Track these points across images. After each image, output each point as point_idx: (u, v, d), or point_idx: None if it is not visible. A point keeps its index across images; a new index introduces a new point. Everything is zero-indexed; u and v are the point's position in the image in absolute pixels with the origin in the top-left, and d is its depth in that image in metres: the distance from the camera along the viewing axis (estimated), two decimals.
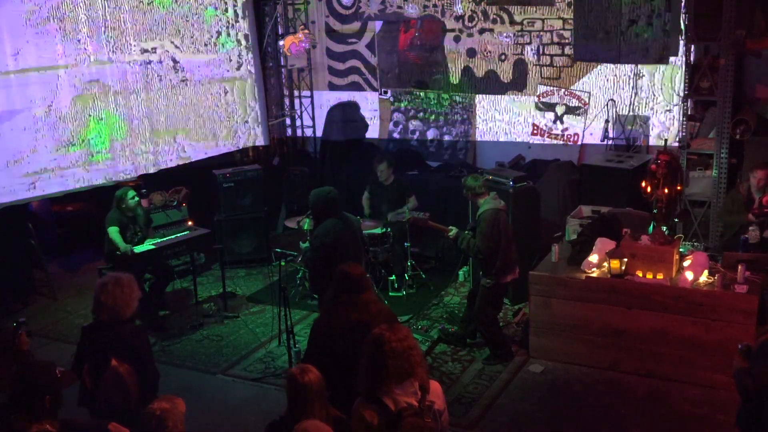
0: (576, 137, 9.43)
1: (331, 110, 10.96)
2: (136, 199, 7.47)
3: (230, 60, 9.89)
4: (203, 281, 8.81)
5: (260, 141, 10.42)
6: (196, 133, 9.61)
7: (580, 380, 6.42)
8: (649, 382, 6.30)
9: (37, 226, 8.87)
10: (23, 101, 8.00)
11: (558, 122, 9.52)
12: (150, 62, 9.00)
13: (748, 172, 7.30)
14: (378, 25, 10.45)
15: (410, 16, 10.15)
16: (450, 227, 6.70)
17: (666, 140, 7.51)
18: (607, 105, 9.14)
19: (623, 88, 9.04)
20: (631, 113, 9.01)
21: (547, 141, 9.60)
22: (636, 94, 8.95)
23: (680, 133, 8.32)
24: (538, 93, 9.59)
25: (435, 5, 9.95)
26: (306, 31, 10.49)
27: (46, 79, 8.12)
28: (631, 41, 8.67)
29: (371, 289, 4.73)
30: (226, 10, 9.76)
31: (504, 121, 9.86)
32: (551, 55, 9.42)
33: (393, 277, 8.26)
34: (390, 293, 8.15)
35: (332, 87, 11.01)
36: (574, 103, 9.38)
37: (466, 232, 6.62)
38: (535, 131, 9.67)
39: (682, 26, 8.28)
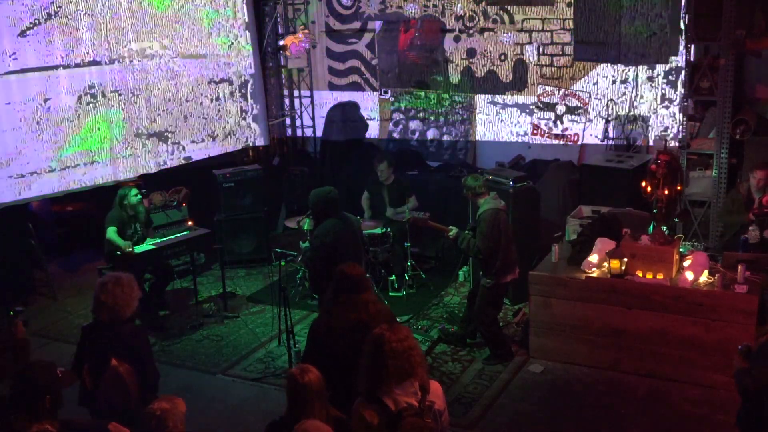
0: (576, 137, 9.43)
1: (331, 110, 10.96)
2: (139, 196, 7.48)
3: (230, 60, 9.89)
4: (203, 281, 8.81)
5: (260, 141, 10.42)
6: (196, 133, 9.61)
7: (580, 380, 6.42)
8: (649, 382, 6.30)
9: (37, 226, 8.88)
10: (22, 101, 7.98)
11: (558, 122, 9.53)
12: (150, 62, 8.99)
13: (748, 172, 7.30)
14: (378, 25, 10.45)
15: (410, 16, 10.16)
16: (450, 227, 6.70)
17: (666, 140, 7.51)
18: (607, 105, 9.14)
19: (623, 88, 9.03)
20: (631, 113, 9.01)
21: (547, 141, 9.60)
22: (636, 94, 8.95)
23: (680, 133, 8.32)
24: (538, 93, 9.59)
25: (435, 5, 9.95)
26: (306, 31, 10.49)
27: (45, 79, 8.11)
28: (630, 41, 8.66)
29: (370, 290, 4.73)
30: (226, 10, 9.75)
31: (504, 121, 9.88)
32: (551, 55, 9.42)
33: (393, 277, 8.26)
34: (390, 293, 8.16)
35: (332, 87, 11.01)
36: (574, 103, 9.38)
37: (466, 232, 6.62)
38: (535, 131, 9.68)
39: (682, 26, 8.28)
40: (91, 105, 8.52)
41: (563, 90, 9.43)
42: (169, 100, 9.26)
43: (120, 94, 8.75)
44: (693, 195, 8.14)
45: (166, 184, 8.72)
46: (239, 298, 8.39)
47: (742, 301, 5.98)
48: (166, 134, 9.26)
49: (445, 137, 10.28)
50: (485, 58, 9.81)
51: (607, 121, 9.08)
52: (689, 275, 6.24)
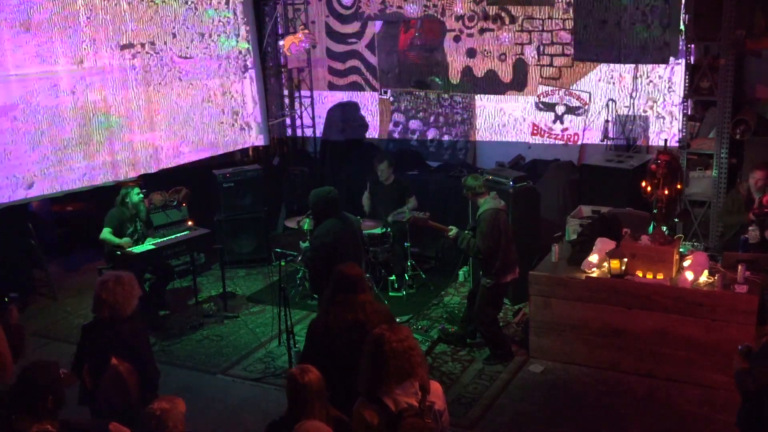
0: (576, 137, 9.43)
1: (331, 110, 10.96)
2: (141, 195, 7.49)
3: (230, 60, 9.89)
4: (203, 281, 8.81)
5: (260, 141, 10.42)
6: (196, 132, 9.61)
7: (580, 380, 6.42)
8: (649, 382, 6.30)
9: (37, 226, 8.88)
10: (22, 101, 7.99)
11: (558, 122, 9.53)
12: (150, 62, 8.99)
13: (748, 172, 7.30)
14: (378, 25, 10.45)
15: (410, 16, 10.16)
16: (450, 227, 6.70)
17: (666, 140, 7.51)
18: (607, 105, 9.14)
19: (623, 88, 9.03)
20: (631, 113, 9.01)
21: (547, 141, 9.60)
22: (636, 94, 8.95)
23: (680, 133, 8.32)
24: (538, 93, 9.59)
25: (435, 5, 9.95)
26: (306, 31, 10.49)
27: (44, 78, 8.11)
28: (630, 41, 8.67)
29: (368, 290, 4.73)
30: (226, 10, 9.75)
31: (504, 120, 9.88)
32: (551, 55, 9.42)
33: (393, 277, 8.26)
34: (390, 293, 8.16)
35: (332, 87, 11.01)
36: (574, 103, 9.38)
37: (466, 231, 6.62)
38: (535, 131, 9.68)
39: (682, 26, 8.28)
40: (90, 105, 8.51)
41: (563, 90, 9.43)
42: (169, 99, 9.26)
43: (119, 94, 8.74)
44: (693, 195, 8.14)
45: (166, 184, 8.72)
46: (239, 298, 8.39)
47: (742, 301, 5.98)
48: (165, 133, 9.26)
49: (445, 137, 10.28)
50: (485, 58, 9.81)
51: (607, 121, 9.08)
52: (689, 275, 6.24)
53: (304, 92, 11.16)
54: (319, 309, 5.47)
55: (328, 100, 11.06)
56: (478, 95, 9.97)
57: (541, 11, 9.32)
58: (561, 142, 9.51)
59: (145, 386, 4.47)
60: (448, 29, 9.96)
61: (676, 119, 8.72)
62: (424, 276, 8.42)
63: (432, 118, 10.34)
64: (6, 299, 4.60)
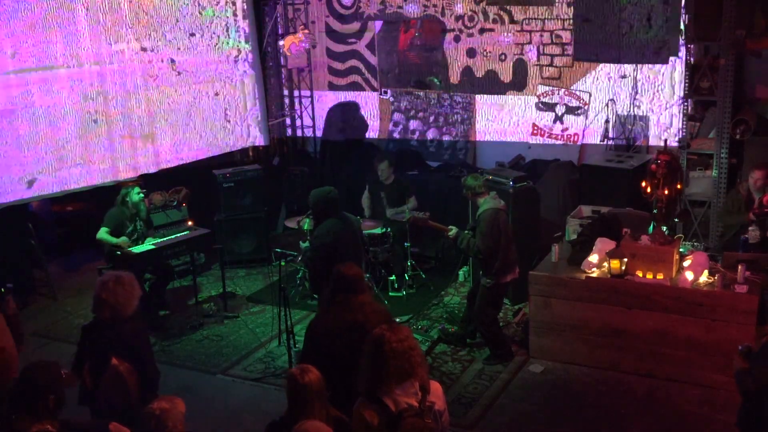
0: (576, 137, 9.43)
1: (331, 110, 10.96)
2: (141, 195, 7.49)
3: (230, 60, 9.89)
4: (203, 281, 8.81)
5: (260, 141, 10.42)
6: (196, 132, 9.61)
7: (580, 380, 6.42)
8: (649, 382, 6.30)
9: (37, 226, 8.88)
10: (22, 101, 7.99)
11: (558, 122, 9.52)
12: (150, 62, 8.99)
13: (747, 172, 7.30)
14: (378, 25, 10.45)
15: (410, 16, 10.16)
16: (450, 227, 6.70)
17: (666, 140, 7.51)
18: (607, 105, 9.14)
19: (623, 88, 9.03)
20: (631, 113, 9.01)
21: (547, 141, 9.60)
22: (636, 93, 8.95)
23: (680, 133, 8.32)
24: (538, 93, 9.59)
25: (435, 5, 9.95)
26: (306, 31, 10.49)
27: (45, 78, 8.11)
28: (631, 41, 8.67)
29: (367, 291, 4.73)
30: (226, 10, 9.75)
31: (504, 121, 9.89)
32: (551, 55, 9.42)
33: (393, 277, 8.26)
34: (390, 293, 8.16)
35: (332, 87, 11.01)
36: (574, 103, 9.38)
37: (466, 231, 6.62)
38: (535, 131, 9.67)
39: (682, 26, 8.28)
40: (90, 105, 8.51)
41: (563, 90, 9.43)
42: (169, 99, 9.26)
43: (119, 94, 8.74)
44: (693, 195, 8.15)
45: (166, 184, 8.72)
46: (239, 298, 8.39)
47: (742, 301, 5.98)
48: (165, 133, 9.26)
49: (445, 137, 10.28)
50: (485, 58, 9.81)
51: (607, 121, 9.08)
52: (689, 275, 6.24)
53: (304, 92, 11.16)
54: (319, 309, 5.48)
55: (328, 100, 11.06)
56: (478, 95, 9.97)
57: (541, 11, 9.32)
58: (561, 142, 9.51)
59: (146, 386, 4.47)
60: (448, 29, 9.96)
61: (675, 118, 8.72)
62: (424, 276, 8.42)
63: (432, 118, 10.34)
64: (2, 290, 4.62)
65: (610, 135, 9.09)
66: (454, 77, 10.06)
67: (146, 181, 8.35)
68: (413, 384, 3.50)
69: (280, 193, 10.42)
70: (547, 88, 9.52)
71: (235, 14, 9.85)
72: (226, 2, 9.74)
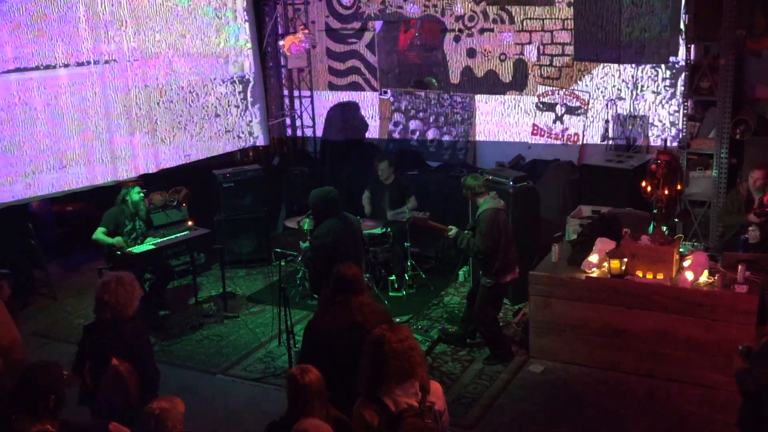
0: (576, 137, 9.43)
1: (331, 110, 10.96)
2: (141, 194, 7.50)
3: (230, 60, 9.89)
4: (203, 281, 8.81)
5: (260, 141, 10.42)
6: (196, 132, 9.61)
7: (580, 380, 6.42)
8: (649, 382, 6.30)
9: (37, 226, 8.87)
10: (22, 101, 7.99)
11: (558, 122, 9.52)
12: (150, 62, 8.99)
13: (747, 172, 7.30)
14: (378, 25, 10.45)
15: (410, 16, 10.16)
16: (450, 227, 6.70)
17: (666, 140, 7.51)
18: (607, 105, 9.14)
19: (623, 88, 9.03)
20: (631, 113, 9.01)
21: (547, 141, 9.60)
22: (636, 94, 8.95)
23: (680, 133, 8.32)
24: (538, 93, 9.59)
25: (435, 5, 9.95)
26: (306, 31, 10.49)
27: (45, 78, 8.12)
28: (631, 41, 8.67)
29: (366, 291, 4.73)
30: (226, 10, 9.75)
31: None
32: (551, 55, 9.42)
33: (393, 277, 8.26)
34: (390, 293, 8.16)
35: (332, 87, 11.01)
36: (574, 103, 9.38)
37: (466, 231, 6.62)
38: (535, 131, 9.68)
39: (682, 26, 8.28)
40: (90, 105, 8.51)
41: (563, 90, 9.43)
42: (169, 99, 9.26)
43: (120, 94, 8.74)
44: (693, 195, 8.15)
45: (166, 184, 8.72)
46: (239, 298, 8.38)
47: (742, 301, 5.98)
48: (165, 134, 9.26)
49: (445, 137, 10.28)
50: (485, 58, 9.81)
51: (607, 121, 9.08)
52: (689, 275, 6.23)
53: (304, 92, 11.16)
54: (318, 309, 5.48)
55: (328, 100, 11.06)
56: (478, 95, 9.97)
57: (541, 11, 9.32)
58: (561, 142, 9.51)
59: (146, 386, 4.47)
60: (448, 29, 9.96)
61: (675, 119, 8.72)
62: (424, 276, 8.42)
63: (432, 118, 10.34)
64: None
65: (610, 135, 9.09)
66: (454, 77, 10.06)
67: (146, 181, 8.34)
68: (413, 384, 3.50)
69: (280, 193, 10.42)
70: (547, 88, 9.52)
71: (235, 14, 9.85)
72: (227, 2, 9.73)
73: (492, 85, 9.84)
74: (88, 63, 8.43)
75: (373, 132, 10.82)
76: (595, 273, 6.58)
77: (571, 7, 8.99)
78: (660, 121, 8.89)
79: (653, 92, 8.86)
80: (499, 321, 7.08)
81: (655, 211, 6.52)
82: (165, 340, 7.38)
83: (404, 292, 8.16)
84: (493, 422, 5.90)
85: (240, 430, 5.91)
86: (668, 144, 7.89)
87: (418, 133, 10.48)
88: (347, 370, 3.95)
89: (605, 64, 9.04)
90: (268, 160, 10.81)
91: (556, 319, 6.62)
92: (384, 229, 8.29)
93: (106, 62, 8.58)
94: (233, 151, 10.29)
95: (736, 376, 4.40)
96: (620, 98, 9.02)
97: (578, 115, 9.38)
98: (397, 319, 7.39)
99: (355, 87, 10.84)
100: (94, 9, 8.37)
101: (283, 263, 7.05)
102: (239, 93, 10.03)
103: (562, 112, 9.48)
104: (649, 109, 8.91)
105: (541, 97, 9.59)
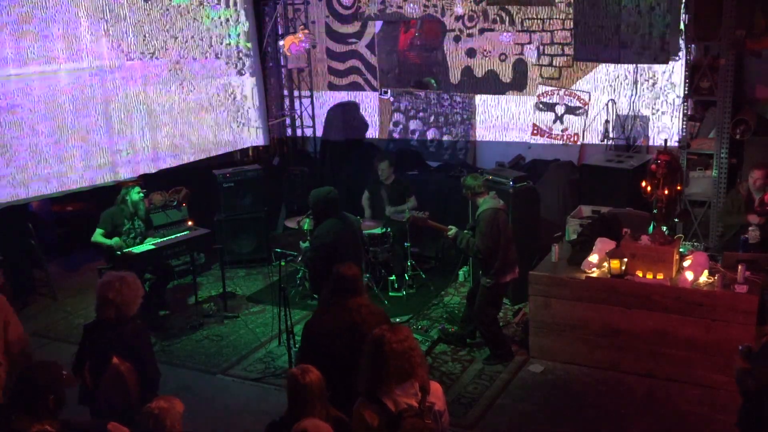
0: (576, 137, 9.43)
1: (331, 110, 10.96)
2: (141, 194, 7.50)
3: (230, 60, 9.89)
4: (203, 281, 8.81)
5: (260, 141, 10.42)
6: (197, 133, 9.61)
7: (580, 380, 6.42)
8: (649, 382, 6.30)
9: (37, 226, 8.88)
10: (23, 101, 7.99)
11: (558, 122, 9.52)
12: (150, 62, 8.99)
13: (747, 172, 7.30)
14: (378, 25, 10.45)
15: (410, 16, 10.16)
16: (449, 227, 6.70)
17: (666, 140, 7.51)
18: (607, 105, 9.14)
19: (623, 88, 9.03)
20: (631, 113, 9.01)
21: (547, 141, 9.60)
22: (636, 94, 8.95)
23: (680, 133, 8.32)
24: (538, 93, 9.59)
25: (435, 5, 9.95)
26: (306, 31, 10.49)
27: (45, 78, 8.12)
28: (630, 41, 8.66)
29: (364, 293, 4.74)
30: (226, 10, 9.75)
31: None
32: (551, 55, 9.42)
33: (393, 277, 8.26)
34: (390, 293, 8.16)
35: (332, 87, 11.01)
36: (574, 103, 9.38)
37: (466, 231, 6.63)
38: (535, 131, 9.67)
39: (682, 26, 8.28)
40: (90, 105, 8.52)
41: (563, 90, 9.43)
42: (169, 99, 9.26)
43: (119, 94, 8.74)
44: (693, 195, 8.14)
45: (166, 184, 8.73)
46: (239, 298, 8.39)
47: (742, 301, 5.98)
48: (165, 133, 9.26)
49: (445, 137, 10.28)
50: (485, 58, 9.81)
51: (607, 121, 9.08)
52: (689, 275, 6.24)
53: (304, 92, 11.16)
54: (317, 309, 5.48)
55: (328, 100, 11.06)
56: (478, 95, 9.96)
57: (541, 11, 9.32)
58: (561, 142, 9.51)
59: (146, 386, 4.47)
60: (448, 29, 9.96)
61: (675, 118, 8.72)
62: (424, 276, 8.42)
63: (432, 118, 10.34)
64: None
65: (610, 135, 9.09)
66: (454, 77, 10.06)
67: (146, 181, 8.35)
68: (413, 384, 3.50)
69: (280, 193, 10.42)
70: (547, 88, 9.52)
71: (235, 14, 9.85)
72: (227, 2, 9.73)
73: (492, 85, 9.83)
74: (88, 63, 8.42)
75: (373, 132, 10.81)
76: (595, 273, 6.58)
77: (571, 7, 8.99)
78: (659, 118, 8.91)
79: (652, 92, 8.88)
80: (499, 321, 7.08)
81: (655, 211, 6.52)
82: (165, 340, 7.38)
83: (404, 292, 8.16)
84: (493, 422, 5.90)
85: (240, 430, 5.91)
86: (668, 144, 7.89)
87: (418, 133, 10.48)
88: (347, 370, 3.95)
89: (605, 64, 9.04)
90: (268, 160, 10.81)
91: (556, 319, 6.62)
92: (384, 229, 8.29)
93: (106, 62, 8.58)
94: (233, 151, 10.29)
95: (736, 376, 4.40)
96: (620, 98, 9.02)
97: (578, 115, 9.38)
98: (397, 319, 7.39)
99: (355, 87, 10.84)
100: (94, 9, 8.37)
101: (283, 263, 7.05)
102: (239, 93, 10.03)
103: (562, 112, 9.48)
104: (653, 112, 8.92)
105: (541, 97, 9.59)
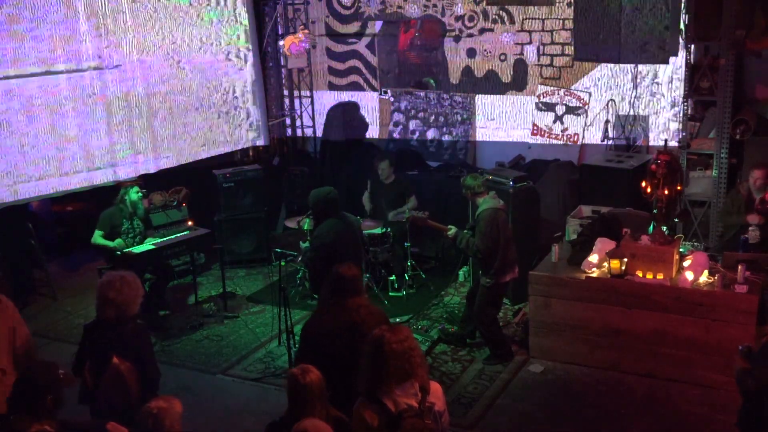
0: (576, 137, 9.43)
1: (331, 110, 10.95)
2: (140, 194, 7.51)
3: (230, 60, 9.89)
4: (203, 281, 8.81)
5: (260, 141, 10.42)
6: (196, 133, 9.61)
7: (580, 380, 6.42)
8: (649, 382, 6.30)
9: (37, 226, 8.87)
10: (23, 101, 7.99)
11: (558, 122, 9.52)
12: (150, 62, 8.99)
13: (747, 172, 7.30)
14: (378, 25, 10.45)
15: (410, 16, 10.16)
16: (449, 226, 6.71)
17: (666, 140, 7.51)
18: (607, 105, 9.14)
19: (623, 88, 9.03)
20: (631, 113, 9.01)
21: (547, 141, 9.60)
22: (636, 94, 8.95)
23: (680, 133, 8.32)
24: (538, 93, 9.59)
25: (435, 5, 9.95)
26: (306, 31, 10.49)
27: (45, 79, 8.11)
28: (630, 41, 8.66)
29: (364, 293, 4.73)
30: (226, 10, 9.75)
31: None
32: (551, 55, 9.42)
33: (393, 277, 8.26)
34: (390, 293, 8.16)
35: (332, 87, 11.01)
36: (574, 103, 9.38)
37: (466, 231, 6.63)
38: (535, 131, 9.67)
39: (682, 26, 8.28)
40: (90, 105, 8.51)
41: (563, 90, 9.43)
42: (169, 99, 9.25)
43: (119, 94, 8.74)
44: (693, 195, 8.14)
45: (166, 184, 8.73)
46: (239, 298, 8.39)
47: (742, 301, 5.98)
48: (165, 133, 9.25)
49: (445, 137, 10.28)
50: (485, 58, 9.81)
51: (607, 121, 9.08)
52: (689, 275, 6.23)
53: (304, 92, 11.16)
54: (316, 309, 5.48)
55: (328, 100, 11.06)
56: (478, 95, 9.96)
57: (541, 11, 9.32)
58: (561, 142, 9.51)
59: (146, 386, 4.47)
60: (448, 29, 9.96)
61: (675, 119, 8.72)
62: (424, 276, 8.42)
63: (432, 118, 10.34)
64: None
65: (610, 135, 9.08)
66: (454, 77, 10.06)
67: (146, 181, 8.35)
68: (413, 384, 3.50)
69: (280, 193, 10.42)
70: (547, 88, 9.52)
71: (235, 14, 9.84)
72: (226, 2, 9.73)
73: (492, 85, 9.83)
74: (88, 64, 8.42)
75: (373, 132, 10.81)
76: (595, 273, 6.58)
77: (571, 7, 8.99)
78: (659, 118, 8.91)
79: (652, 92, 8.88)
80: (499, 321, 7.08)
81: (655, 211, 6.52)
82: (165, 340, 7.38)
83: (404, 292, 8.16)
84: (493, 422, 5.90)
85: (240, 430, 5.91)
86: (668, 144, 7.89)
87: (418, 133, 10.48)
88: (347, 370, 3.95)
89: (605, 64, 9.04)
90: (268, 160, 10.81)
91: (556, 319, 6.62)
92: (384, 229, 8.29)
93: (106, 63, 8.57)
94: (233, 151, 10.29)
95: (736, 376, 4.40)
96: (620, 98, 9.03)
97: (578, 115, 9.38)
98: (397, 319, 7.40)
99: (355, 87, 10.84)
100: (94, 9, 8.37)
101: (283, 263, 7.05)
102: (239, 93, 10.03)
103: (562, 112, 9.48)
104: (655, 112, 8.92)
105: (541, 97, 9.59)
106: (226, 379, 6.72)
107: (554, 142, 9.55)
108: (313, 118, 11.13)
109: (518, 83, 9.68)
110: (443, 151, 10.32)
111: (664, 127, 8.89)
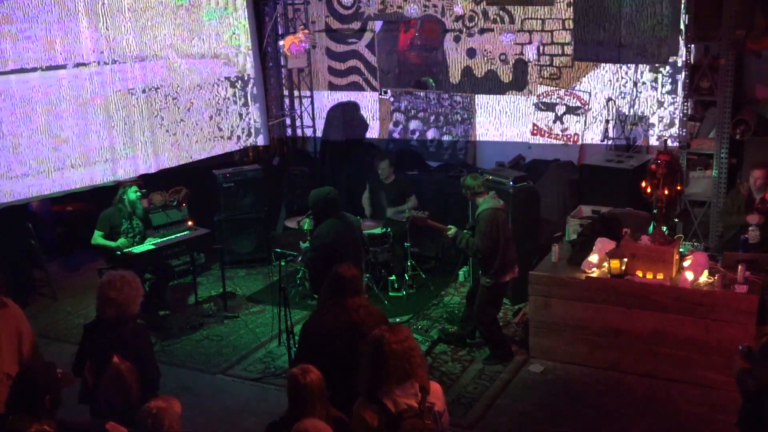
0: (576, 137, 9.43)
1: (331, 110, 10.95)
2: (138, 194, 7.51)
3: (230, 60, 9.88)
4: (203, 281, 8.81)
5: (260, 141, 10.42)
6: (196, 133, 9.61)
7: (580, 380, 6.42)
8: (649, 382, 6.30)
9: (37, 226, 8.87)
10: (23, 101, 7.99)
11: (558, 122, 9.52)
12: (150, 62, 8.99)
13: (748, 172, 7.30)
14: (378, 25, 10.45)
15: (410, 16, 10.16)
16: (449, 226, 6.71)
17: (666, 140, 7.51)
18: (607, 105, 9.14)
19: (623, 88, 9.03)
20: (631, 113, 9.01)
21: (547, 141, 9.60)
22: (636, 93, 8.95)
23: (680, 133, 8.32)
24: (538, 93, 9.59)
25: (435, 5, 9.95)
26: (306, 31, 10.48)
27: (45, 78, 8.11)
28: (630, 41, 8.66)
29: (364, 293, 4.73)
30: (226, 10, 9.75)
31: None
32: (551, 55, 9.42)
33: (393, 277, 8.26)
34: (390, 293, 8.16)
35: (332, 87, 11.01)
36: (574, 103, 9.38)
37: (465, 231, 6.63)
38: (535, 131, 9.67)
39: (682, 26, 8.28)
40: (89, 104, 8.51)
41: (563, 90, 9.43)
42: (169, 99, 9.26)
43: (120, 94, 8.74)
44: (693, 195, 8.14)
45: (166, 184, 8.72)
46: (239, 298, 8.39)
47: (742, 301, 5.98)
48: (165, 133, 9.26)
49: (445, 137, 10.28)
50: (485, 58, 9.81)
51: (607, 121, 9.08)
52: (689, 275, 6.23)
53: (304, 92, 11.16)
54: (315, 309, 5.48)
55: (328, 100, 11.06)
56: (479, 95, 9.96)
57: (541, 11, 9.32)
58: (561, 142, 9.51)
59: (146, 386, 4.47)
60: (448, 29, 9.96)
61: (675, 119, 8.72)
62: (424, 276, 8.42)
63: (432, 118, 10.34)
64: None
65: (610, 135, 9.08)
66: (454, 77, 10.06)
67: (146, 181, 8.36)
68: (413, 385, 3.50)
69: (280, 193, 10.41)
70: (547, 88, 9.52)
71: (234, 14, 9.84)
72: (226, 2, 9.73)
73: (492, 85, 9.83)
74: (88, 63, 8.43)
75: (373, 132, 10.81)
76: (595, 273, 6.58)
77: (571, 7, 8.99)
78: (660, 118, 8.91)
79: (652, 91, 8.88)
80: (499, 321, 7.08)
81: (655, 211, 6.52)
82: (165, 340, 7.38)
83: (404, 292, 8.16)
84: (493, 422, 5.90)
85: (240, 430, 5.91)
86: (668, 144, 7.89)
87: (418, 133, 10.48)
88: (347, 370, 3.95)
89: (605, 64, 9.04)
90: (268, 160, 10.81)
91: (556, 319, 6.62)
92: (384, 229, 8.29)
93: (106, 62, 8.58)
94: (233, 151, 10.29)
95: (736, 376, 4.40)
96: (620, 97, 9.03)
97: (578, 115, 9.38)
98: (397, 319, 7.40)
99: (355, 87, 10.84)
100: (94, 9, 8.37)
101: (283, 263, 7.05)
102: (239, 93, 10.03)
103: (562, 112, 9.48)
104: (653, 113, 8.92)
105: (541, 97, 9.59)
106: (226, 379, 6.72)
107: (554, 142, 9.55)
108: (313, 118, 11.13)
109: (518, 83, 9.68)
110: (443, 151, 10.32)
111: (664, 127, 8.88)
